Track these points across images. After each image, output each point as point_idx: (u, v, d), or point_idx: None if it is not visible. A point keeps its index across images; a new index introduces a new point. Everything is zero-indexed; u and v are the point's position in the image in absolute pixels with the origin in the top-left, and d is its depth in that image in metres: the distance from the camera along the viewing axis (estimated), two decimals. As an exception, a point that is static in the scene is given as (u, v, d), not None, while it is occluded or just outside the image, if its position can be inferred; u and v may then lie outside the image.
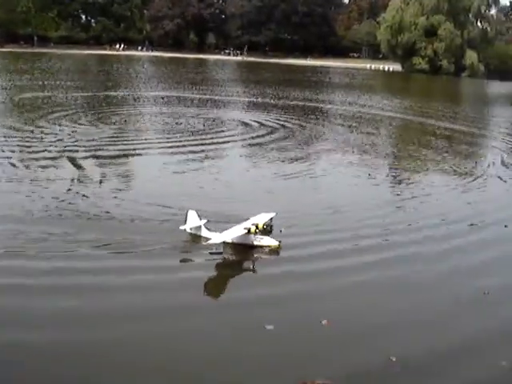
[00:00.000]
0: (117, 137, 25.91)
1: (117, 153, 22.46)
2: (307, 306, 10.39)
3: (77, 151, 22.10)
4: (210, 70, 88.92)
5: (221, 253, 12.57)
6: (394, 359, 8.67)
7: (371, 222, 15.08)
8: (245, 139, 27.40)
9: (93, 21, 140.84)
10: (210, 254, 12.45)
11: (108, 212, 14.76)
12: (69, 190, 16.73)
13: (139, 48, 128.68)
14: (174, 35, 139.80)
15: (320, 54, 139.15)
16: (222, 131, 29.46)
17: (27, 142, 23.72)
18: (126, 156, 22.23)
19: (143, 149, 23.50)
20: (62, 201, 15.55)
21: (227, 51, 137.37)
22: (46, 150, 22.10)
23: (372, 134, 32.35)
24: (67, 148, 22.62)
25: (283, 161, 22.84)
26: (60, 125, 28.16)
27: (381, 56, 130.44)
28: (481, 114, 48.77)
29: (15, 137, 24.79)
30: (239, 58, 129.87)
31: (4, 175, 18.14)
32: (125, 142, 24.58)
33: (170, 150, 23.58)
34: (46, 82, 49.88)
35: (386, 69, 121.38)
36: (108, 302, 10.19)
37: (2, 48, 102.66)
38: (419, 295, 11.23)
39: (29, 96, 39.39)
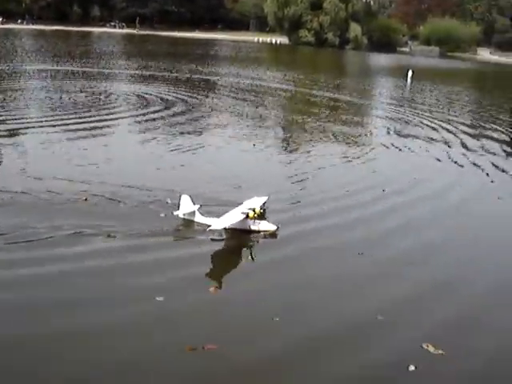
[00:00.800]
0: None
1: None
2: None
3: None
4: (94, 42, 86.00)
5: (223, 239, 12.33)
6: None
7: (275, 197, 14.86)
8: (137, 115, 26.53)
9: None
10: (212, 240, 12.15)
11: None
12: None
13: (19, 21, 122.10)
14: (56, 7, 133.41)
15: (208, 26, 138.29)
16: (113, 106, 28.41)
17: None
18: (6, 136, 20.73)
19: (27, 128, 21.94)
20: None
21: (113, 24, 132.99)
22: None
23: (263, 105, 32.86)
24: None
25: (178, 135, 22.48)
26: None
27: (268, 29, 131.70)
28: (364, 85, 50.58)
29: None
30: (125, 30, 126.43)
31: None
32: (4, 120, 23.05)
33: (55, 128, 22.06)
34: None
35: (274, 41, 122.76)
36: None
37: None
38: (318, 271, 11.28)
39: None
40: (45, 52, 60.03)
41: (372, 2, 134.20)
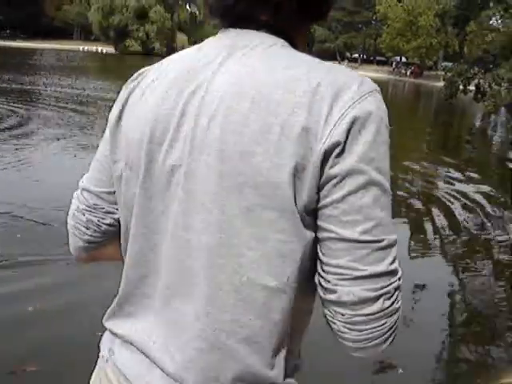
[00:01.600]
0: None
1: None
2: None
3: None
4: None
5: None
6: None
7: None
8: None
9: None
10: None
11: None
12: None
13: None
14: None
15: (31, 35, 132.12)
16: None
17: None
18: None
19: None
20: None
21: None
22: None
23: (88, 114, 32.10)
24: None
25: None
26: None
27: (93, 38, 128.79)
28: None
29: None
30: None
31: None
32: None
33: None
34: None
35: (100, 50, 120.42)
36: None
37: None
38: None
39: None
40: None
41: (198, 13, 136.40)
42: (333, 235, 1.39)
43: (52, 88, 44.92)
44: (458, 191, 18.00)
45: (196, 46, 1.82)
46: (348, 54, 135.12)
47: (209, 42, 1.75)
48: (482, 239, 13.64)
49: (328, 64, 1.51)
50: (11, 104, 32.61)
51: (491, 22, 57.73)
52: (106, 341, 1.82)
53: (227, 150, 1.42)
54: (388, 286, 1.41)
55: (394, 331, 1.47)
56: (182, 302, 1.54)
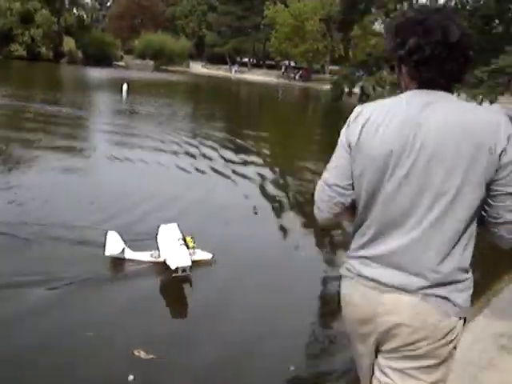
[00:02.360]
0: None
1: None
2: None
3: None
4: None
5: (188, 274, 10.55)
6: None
7: None
8: None
9: None
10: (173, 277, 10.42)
11: None
12: None
13: None
14: None
15: None
16: None
17: None
18: None
19: None
20: None
21: None
22: None
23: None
24: None
25: None
26: None
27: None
28: (81, 98, 49.79)
29: None
30: None
31: None
32: None
33: None
34: None
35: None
36: None
37: None
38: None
39: None
40: None
41: (85, 16, 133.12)
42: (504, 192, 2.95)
43: None
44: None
45: (398, 99, 3.12)
46: (238, 59, 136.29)
47: (410, 97, 3.06)
48: None
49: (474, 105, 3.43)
50: None
51: (374, 27, 60.45)
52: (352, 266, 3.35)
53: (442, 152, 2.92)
54: None
55: None
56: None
